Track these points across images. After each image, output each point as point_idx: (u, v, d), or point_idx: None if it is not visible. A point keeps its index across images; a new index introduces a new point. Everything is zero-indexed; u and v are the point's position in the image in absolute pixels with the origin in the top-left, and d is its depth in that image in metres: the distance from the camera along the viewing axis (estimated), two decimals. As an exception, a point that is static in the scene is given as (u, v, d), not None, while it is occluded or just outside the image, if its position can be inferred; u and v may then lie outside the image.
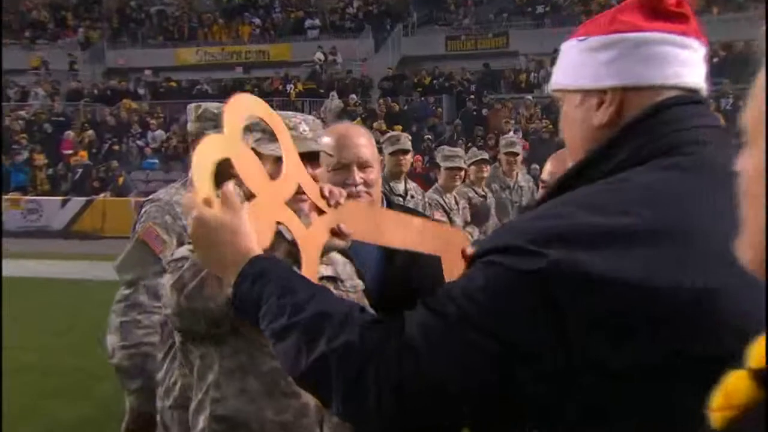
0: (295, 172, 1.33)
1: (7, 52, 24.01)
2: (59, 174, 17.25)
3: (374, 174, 1.98)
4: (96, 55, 24.16)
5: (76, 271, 9.96)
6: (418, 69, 21.02)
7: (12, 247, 12.62)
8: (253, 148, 1.62)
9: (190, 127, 2.42)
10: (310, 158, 1.59)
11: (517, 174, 6.29)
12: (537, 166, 10.76)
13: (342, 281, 1.72)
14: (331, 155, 1.88)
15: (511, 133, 16.56)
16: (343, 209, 1.40)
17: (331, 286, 1.60)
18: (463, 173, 5.40)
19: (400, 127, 15.97)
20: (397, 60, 21.70)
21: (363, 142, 1.98)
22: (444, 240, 1.49)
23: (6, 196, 15.78)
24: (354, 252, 1.80)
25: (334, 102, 19.07)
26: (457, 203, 5.38)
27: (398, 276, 1.88)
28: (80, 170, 16.71)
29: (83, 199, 15.50)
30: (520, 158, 6.31)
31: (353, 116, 18.23)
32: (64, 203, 15.53)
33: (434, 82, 20.02)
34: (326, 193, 1.38)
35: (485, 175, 5.88)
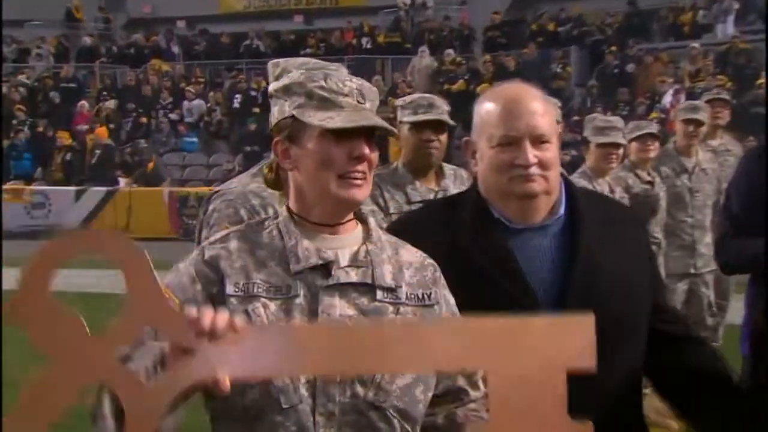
0: (144, 307, 1.47)
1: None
2: (73, 157, 17.92)
3: (552, 152, 1.99)
4: (115, 2, 25.06)
5: (95, 282, 10.30)
6: (536, 12, 20.75)
7: (12, 251, 13.20)
8: (293, 116, 1.73)
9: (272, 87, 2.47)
10: (366, 134, 1.71)
11: (697, 152, 6.07)
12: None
13: (390, 290, 1.75)
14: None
15: (669, 95, 16.14)
16: (231, 340, 1.49)
17: (353, 298, 1.72)
18: (621, 152, 5.24)
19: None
20: (507, 1, 21.50)
21: (540, 108, 1.99)
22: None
23: (5, 186, 16.59)
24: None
25: (424, 60, 19.08)
26: (612, 192, 5.24)
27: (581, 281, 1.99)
28: (98, 152, 17.30)
29: (103, 189, 16.13)
30: (704, 130, 6.09)
31: (451, 78, 18.20)
32: (78, 195, 16.23)
33: (560, 29, 19.76)
34: (193, 323, 1.46)
35: (652, 154, 5.71)
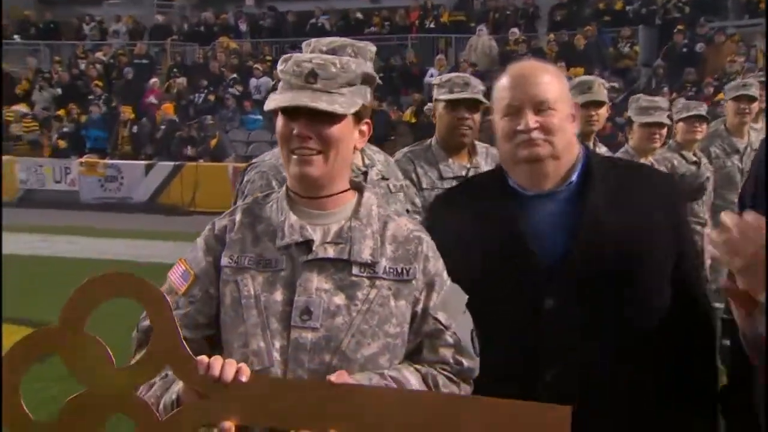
0: (163, 349, 1.66)
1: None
2: (144, 132, 18.38)
3: (557, 118, 2.07)
4: (187, -19, 25.48)
5: (161, 253, 10.64)
6: (604, -9, 20.36)
7: (88, 220, 13.78)
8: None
9: None
10: (314, 112, 1.80)
11: (749, 132, 5.97)
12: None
13: (367, 265, 1.85)
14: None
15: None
16: (242, 389, 1.64)
17: (330, 273, 1.83)
18: (665, 131, 5.21)
19: (581, 70, 15.61)
20: (576, -21, 21.14)
21: (544, 79, 2.09)
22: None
23: (81, 159, 17.15)
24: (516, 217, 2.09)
25: (481, 39, 18.88)
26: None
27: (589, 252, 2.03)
28: (164, 127, 17.74)
29: (170, 164, 16.53)
30: (755, 107, 5.97)
31: (512, 57, 18.01)
32: (148, 169, 16.66)
33: (627, 8, 19.37)
34: (204, 369, 1.65)
35: (698, 136, 5.66)
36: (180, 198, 15.88)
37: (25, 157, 17.68)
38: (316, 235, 1.86)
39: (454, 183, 3.55)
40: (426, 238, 1.94)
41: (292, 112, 1.83)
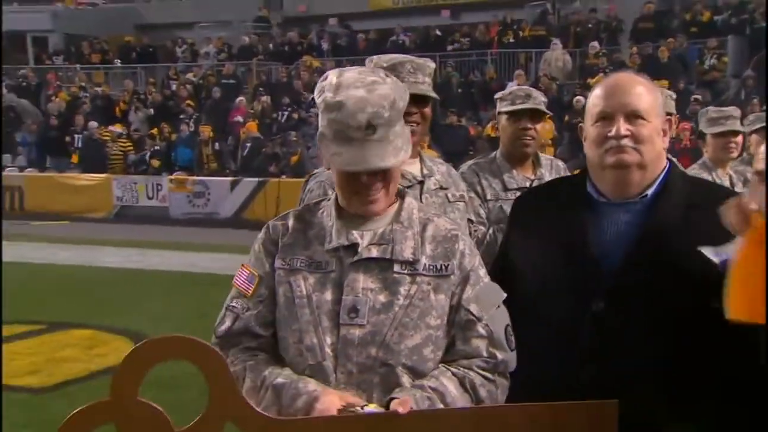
0: (220, 410, 1.72)
1: (174, 2, 26.90)
2: (228, 149, 18.89)
3: (648, 129, 2.13)
4: (272, 1, 26.10)
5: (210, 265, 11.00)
6: (690, 2, 19.97)
7: (177, 236, 14.25)
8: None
9: None
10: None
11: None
12: None
13: (408, 263, 1.98)
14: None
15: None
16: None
17: (375, 273, 1.97)
18: (740, 139, 5.14)
19: (666, 83, 15.31)
20: (659, -8, 20.81)
21: (637, 90, 2.16)
22: None
23: (171, 177, 17.74)
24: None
25: (555, 53, 18.78)
26: (732, 186, 5.11)
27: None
28: (249, 145, 18.14)
29: (255, 180, 16.91)
30: None
31: (592, 71, 17.79)
32: (233, 185, 17.09)
33: (715, 18, 18.94)
34: None
35: (774, 147, 5.53)
36: (264, 212, 16.20)
37: (120, 175, 18.38)
38: (362, 239, 2.00)
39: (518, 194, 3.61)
40: (463, 236, 2.07)
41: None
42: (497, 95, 4.18)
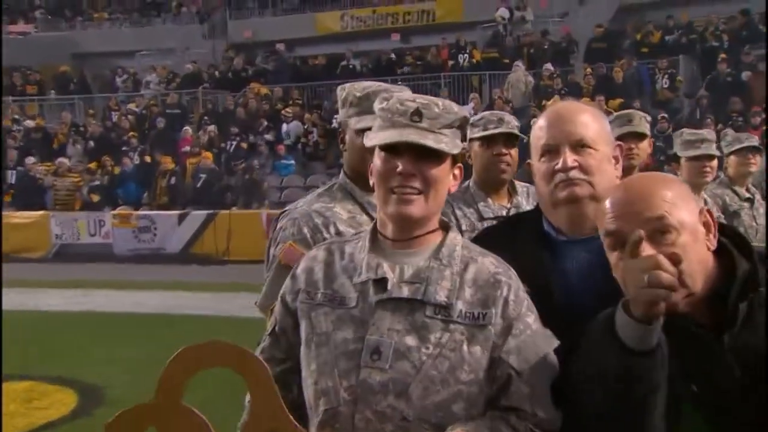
0: (263, 419, 1.69)
1: (113, 30, 26.63)
2: (176, 181, 18.49)
3: (596, 158, 2.02)
4: (216, 28, 25.90)
5: (196, 304, 10.68)
6: (641, 22, 20.30)
7: (122, 274, 13.89)
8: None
9: (340, 115, 2.70)
10: (418, 151, 1.83)
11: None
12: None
13: (442, 307, 1.82)
14: None
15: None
16: None
17: (404, 313, 1.82)
18: (715, 163, 5.07)
19: (619, 102, 15.46)
20: (612, 11, 21.16)
21: (582, 118, 2.05)
22: None
23: (114, 212, 17.35)
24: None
25: (516, 74, 18.88)
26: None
27: None
28: (203, 176, 17.90)
29: (204, 212, 16.63)
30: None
31: (548, 93, 17.95)
32: (181, 219, 16.75)
33: (666, 38, 19.25)
34: None
35: (753, 169, 5.50)
36: (214, 247, 15.92)
37: (58, 212, 17.89)
38: (393, 274, 1.84)
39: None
40: (509, 281, 1.89)
41: (393, 150, 1.84)
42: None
